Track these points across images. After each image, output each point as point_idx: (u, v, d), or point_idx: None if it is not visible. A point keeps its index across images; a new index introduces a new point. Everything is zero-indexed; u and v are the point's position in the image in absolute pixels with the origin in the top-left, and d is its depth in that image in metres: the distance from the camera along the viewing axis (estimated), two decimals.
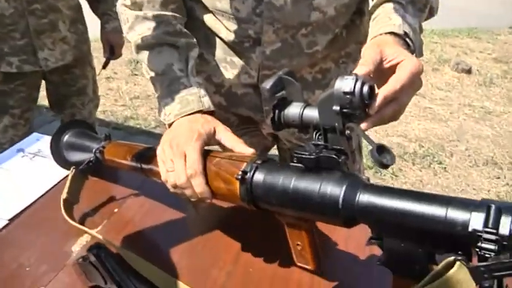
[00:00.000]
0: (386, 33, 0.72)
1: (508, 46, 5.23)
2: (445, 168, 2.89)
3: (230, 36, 0.91)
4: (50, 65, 1.78)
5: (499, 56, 4.87)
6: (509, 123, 3.51)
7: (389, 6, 0.78)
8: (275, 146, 1.23)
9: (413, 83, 0.62)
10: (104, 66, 2.17)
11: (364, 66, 0.61)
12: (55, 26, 1.73)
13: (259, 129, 1.09)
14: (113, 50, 2.07)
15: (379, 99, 0.58)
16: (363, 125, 0.58)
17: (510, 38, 5.52)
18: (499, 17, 5.81)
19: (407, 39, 0.72)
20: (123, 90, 3.77)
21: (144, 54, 0.86)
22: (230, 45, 0.93)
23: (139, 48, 0.86)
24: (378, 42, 0.69)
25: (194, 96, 0.80)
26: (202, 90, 0.81)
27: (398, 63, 0.63)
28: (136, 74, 4.00)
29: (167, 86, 0.82)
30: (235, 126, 0.76)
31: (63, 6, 1.74)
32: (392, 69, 0.63)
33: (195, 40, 0.87)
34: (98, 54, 2.15)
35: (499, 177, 2.82)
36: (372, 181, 0.58)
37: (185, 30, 0.87)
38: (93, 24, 2.00)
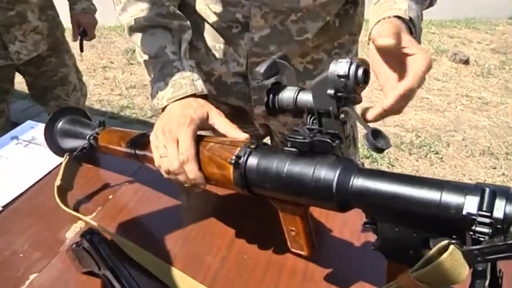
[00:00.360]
0: (392, 16, 0.68)
1: (507, 37, 5.21)
2: (441, 158, 2.90)
3: (218, 21, 0.90)
4: (23, 58, 1.70)
5: (497, 47, 4.85)
6: (506, 113, 3.51)
7: None
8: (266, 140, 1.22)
9: (423, 80, 0.61)
10: (81, 49, 2.07)
11: (386, 38, 0.59)
12: (24, 17, 1.65)
13: (251, 121, 1.08)
14: (85, 32, 1.98)
15: (396, 95, 0.57)
16: (371, 116, 0.57)
17: (509, 29, 5.50)
18: (497, 8, 5.79)
19: (411, 26, 0.69)
20: (119, 79, 3.75)
21: (137, 37, 0.84)
22: (219, 31, 0.93)
23: (132, 30, 0.85)
24: (393, 23, 0.65)
25: (187, 80, 0.79)
26: (195, 73, 0.80)
27: (409, 55, 0.61)
28: (132, 64, 3.98)
29: (160, 70, 0.81)
30: (226, 116, 0.75)
31: None
32: (399, 58, 0.61)
33: (188, 23, 0.86)
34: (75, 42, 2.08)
35: (495, 168, 2.82)
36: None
37: (178, 12, 0.86)
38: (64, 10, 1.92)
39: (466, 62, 4.37)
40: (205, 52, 0.97)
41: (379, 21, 0.69)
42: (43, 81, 1.86)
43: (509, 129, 3.28)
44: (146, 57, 0.84)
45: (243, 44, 0.91)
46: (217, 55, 0.96)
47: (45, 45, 1.76)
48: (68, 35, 1.93)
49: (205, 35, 0.95)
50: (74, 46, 2.01)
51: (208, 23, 0.93)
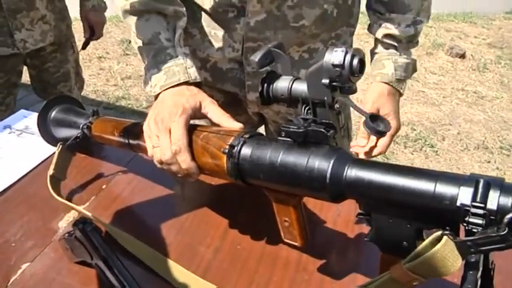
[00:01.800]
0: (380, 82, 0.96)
1: (503, 31, 5.20)
2: (436, 151, 2.90)
3: (214, 6, 0.89)
4: (29, 47, 1.65)
5: (494, 41, 4.85)
6: (501, 108, 3.52)
7: (383, 50, 0.98)
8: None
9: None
10: (84, 47, 2.05)
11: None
12: (32, 4, 1.61)
13: (245, 110, 1.07)
14: (93, 30, 1.95)
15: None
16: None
17: (505, 24, 5.49)
18: (494, 3, 5.77)
19: (397, 87, 0.96)
20: (114, 70, 3.73)
21: (131, 20, 0.83)
22: (214, 16, 0.92)
23: (126, 13, 0.83)
24: (379, 93, 0.96)
25: (180, 67, 0.78)
26: (188, 60, 0.80)
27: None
28: (128, 54, 3.95)
29: (153, 56, 0.80)
30: (219, 105, 0.74)
31: None
32: None
33: (183, 9, 0.85)
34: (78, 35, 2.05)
35: (489, 162, 2.83)
36: None
37: None
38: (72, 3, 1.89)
39: (463, 56, 4.37)
40: (200, 38, 0.97)
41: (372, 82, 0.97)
42: (46, 76, 1.83)
43: (504, 123, 3.29)
44: (140, 43, 0.83)
45: (238, 29, 0.91)
46: (212, 41, 0.95)
47: (52, 36, 1.72)
48: (78, 27, 1.88)
49: (201, 20, 0.95)
50: (79, 38, 1.98)
51: (203, 8, 0.92)
